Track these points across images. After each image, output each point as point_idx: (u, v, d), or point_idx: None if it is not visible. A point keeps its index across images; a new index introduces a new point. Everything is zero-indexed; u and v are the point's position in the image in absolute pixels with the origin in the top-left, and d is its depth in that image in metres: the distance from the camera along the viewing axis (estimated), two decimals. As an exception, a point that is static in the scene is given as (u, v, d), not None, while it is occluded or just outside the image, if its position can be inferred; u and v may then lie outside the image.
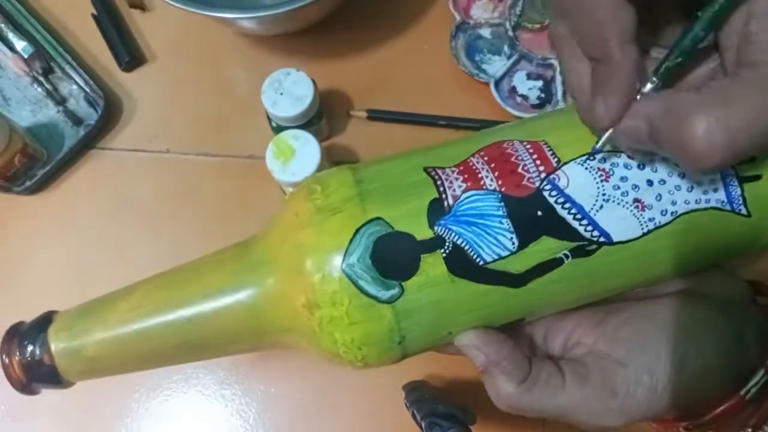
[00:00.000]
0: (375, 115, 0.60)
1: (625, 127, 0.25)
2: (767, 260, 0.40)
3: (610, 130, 0.26)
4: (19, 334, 0.29)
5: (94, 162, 0.61)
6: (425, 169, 0.29)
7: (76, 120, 0.61)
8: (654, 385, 0.28)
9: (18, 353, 0.29)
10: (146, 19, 0.65)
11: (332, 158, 0.58)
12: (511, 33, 0.59)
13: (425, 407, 0.48)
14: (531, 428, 0.53)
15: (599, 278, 0.29)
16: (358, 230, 0.27)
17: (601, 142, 0.27)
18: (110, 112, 0.61)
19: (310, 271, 0.27)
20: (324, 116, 0.56)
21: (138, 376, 0.55)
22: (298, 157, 0.50)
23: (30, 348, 0.29)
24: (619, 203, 0.28)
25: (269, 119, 0.56)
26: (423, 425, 0.46)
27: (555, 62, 0.58)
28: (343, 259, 0.27)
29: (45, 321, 0.30)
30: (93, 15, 0.64)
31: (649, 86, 0.25)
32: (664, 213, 0.28)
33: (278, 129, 0.54)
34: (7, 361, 0.29)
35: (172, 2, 0.52)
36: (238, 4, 0.53)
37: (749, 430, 0.30)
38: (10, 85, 0.62)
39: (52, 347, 0.29)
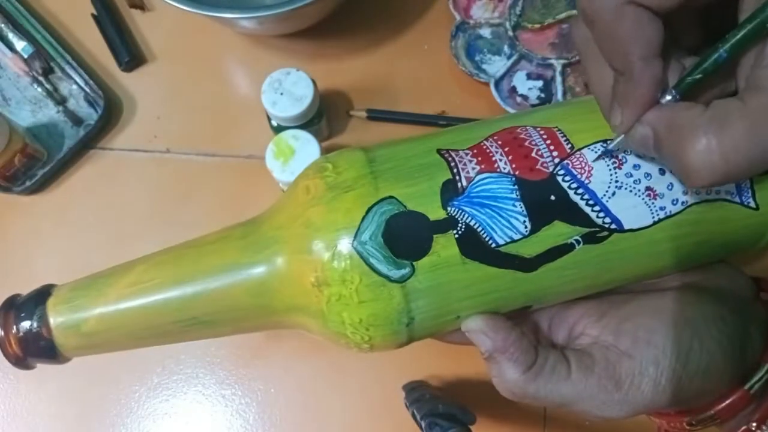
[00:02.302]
0: (375, 115, 0.60)
1: (635, 134, 0.26)
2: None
3: (623, 135, 0.27)
4: (16, 306, 0.29)
5: (94, 162, 0.61)
6: (438, 151, 0.29)
7: (76, 120, 0.61)
8: (659, 378, 0.28)
9: (15, 327, 0.28)
10: (146, 19, 0.65)
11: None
12: (511, 33, 0.59)
13: (425, 407, 0.47)
14: (531, 427, 0.53)
15: (609, 266, 0.29)
16: (370, 208, 0.27)
17: (612, 144, 0.28)
18: (110, 112, 0.61)
19: (321, 249, 0.27)
20: (324, 116, 0.56)
21: (138, 376, 0.55)
22: (298, 157, 0.50)
23: (28, 322, 0.28)
24: (631, 191, 0.28)
25: (269, 119, 0.56)
26: (423, 425, 0.46)
27: (555, 62, 0.58)
28: (355, 237, 0.27)
29: (43, 294, 0.29)
30: (93, 15, 0.64)
31: (668, 98, 0.25)
32: (675, 202, 0.28)
33: (278, 129, 0.54)
34: (2, 334, 0.28)
35: (172, 2, 0.52)
36: (238, 4, 0.53)
37: (753, 425, 0.30)
38: (10, 85, 0.62)
39: (51, 321, 0.28)
